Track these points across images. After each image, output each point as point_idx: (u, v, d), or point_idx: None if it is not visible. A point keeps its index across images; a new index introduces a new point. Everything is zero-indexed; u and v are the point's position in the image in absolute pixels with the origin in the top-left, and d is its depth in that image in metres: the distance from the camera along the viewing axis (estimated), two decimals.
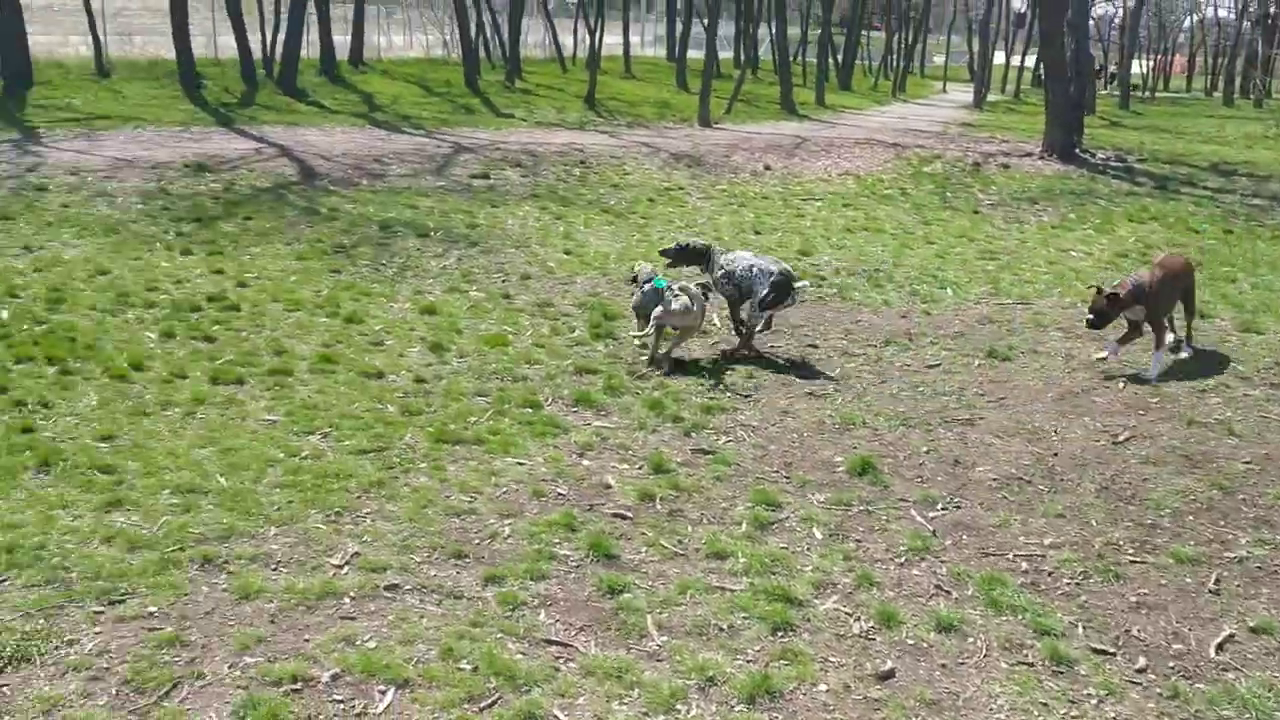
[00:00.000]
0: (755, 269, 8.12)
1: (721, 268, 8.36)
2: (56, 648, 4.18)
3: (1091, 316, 8.26)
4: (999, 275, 11.54)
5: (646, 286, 7.99)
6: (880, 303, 10.19)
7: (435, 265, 10.73)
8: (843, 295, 10.41)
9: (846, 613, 4.78)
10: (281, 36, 23.94)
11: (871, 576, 5.07)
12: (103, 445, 6.02)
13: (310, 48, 26.10)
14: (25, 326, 7.89)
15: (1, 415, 6.31)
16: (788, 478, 6.19)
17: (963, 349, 8.75)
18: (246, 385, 7.12)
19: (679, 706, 4.06)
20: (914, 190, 17.44)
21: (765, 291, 8.01)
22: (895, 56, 52.30)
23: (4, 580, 4.59)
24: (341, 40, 28.14)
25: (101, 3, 24.28)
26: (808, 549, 5.34)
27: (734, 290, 8.28)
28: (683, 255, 8.77)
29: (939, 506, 5.90)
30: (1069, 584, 5.09)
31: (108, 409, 6.55)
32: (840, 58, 44.37)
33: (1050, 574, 5.18)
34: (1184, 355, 8.63)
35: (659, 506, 5.73)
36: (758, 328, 8.30)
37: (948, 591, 5.00)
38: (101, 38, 23.06)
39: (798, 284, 8.20)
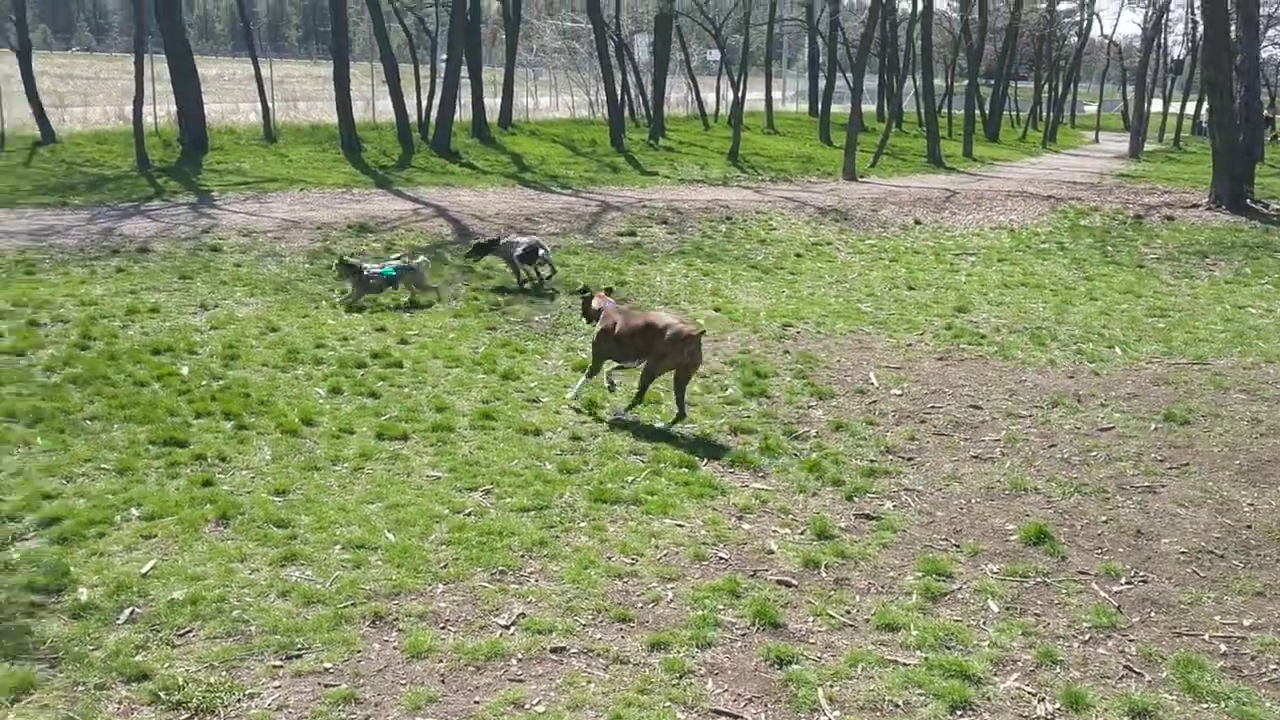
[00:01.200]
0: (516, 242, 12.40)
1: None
2: (239, 700, 4.27)
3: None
4: (1170, 333, 11.02)
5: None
6: (1045, 362, 9.81)
7: (586, 323, 10.80)
8: (1004, 354, 10.07)
9: (1029, 692, 4.53)
10: (436, 100, 24.85)
11: (1054, 654, 4.81)
12: (277, 499, 6.20)
13: (463, 110, 27.00)
14: (204, 382, 8.25)
15: (184, 469, 6.58)
16: (958, 546, 5.95)
17: (1137, 411, 8.33)
18: (410, 440, 7.26)
19: None
20: (1072, 244, 16.88)
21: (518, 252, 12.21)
22: (1044, 107, 51.12)
23: (189, 631, 4.74)
24: (492, 103, 29.04)
25: (270, 71, 25.67)
26: (983, 623, 5.10)
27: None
28: (482, 249, 12.64)
29: (1123, 580, 5.58)
30: (1276, 670, 4.72)
31: (281, 463, 6.76)
32: (988, 109, 43.59)
33: (1253, 658, 4.82)
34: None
35: (824, 574, 5.57)
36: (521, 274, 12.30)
37: (1139, 673, 4.70)
38: (270, 105, 24.35)
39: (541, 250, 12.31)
